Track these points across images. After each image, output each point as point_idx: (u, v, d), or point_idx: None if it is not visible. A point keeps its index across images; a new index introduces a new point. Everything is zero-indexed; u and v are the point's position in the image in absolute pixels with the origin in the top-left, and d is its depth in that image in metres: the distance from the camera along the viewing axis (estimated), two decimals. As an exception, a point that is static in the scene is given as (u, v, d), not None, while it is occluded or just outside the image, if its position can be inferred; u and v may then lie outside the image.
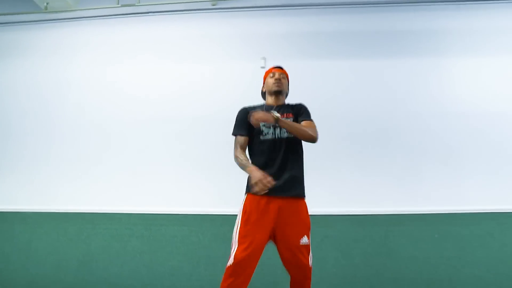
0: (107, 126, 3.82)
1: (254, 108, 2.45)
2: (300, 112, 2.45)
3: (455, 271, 3.21)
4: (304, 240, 2.27)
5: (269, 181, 2.09)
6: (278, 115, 2.25)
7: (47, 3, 3.94)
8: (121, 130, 3.79)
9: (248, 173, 2.24)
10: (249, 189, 2.27)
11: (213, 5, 3.90)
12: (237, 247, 2.18)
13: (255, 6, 3.89)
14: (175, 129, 3.73)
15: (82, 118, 3.86)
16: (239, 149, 2.36)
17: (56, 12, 4.05)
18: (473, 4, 3.78)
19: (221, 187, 3.51)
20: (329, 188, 3.43)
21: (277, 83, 2.48)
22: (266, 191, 2.14)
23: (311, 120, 2.43)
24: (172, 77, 3.89)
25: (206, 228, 3.43)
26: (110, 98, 3.89)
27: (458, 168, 3.46)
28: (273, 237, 2.30)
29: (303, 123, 2.38)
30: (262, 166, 2.29)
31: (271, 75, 2.55)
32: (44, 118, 3.91)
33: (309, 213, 2.26)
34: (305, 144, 2.32)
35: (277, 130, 2.37)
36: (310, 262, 2.25)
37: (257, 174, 2.13)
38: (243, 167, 2.29)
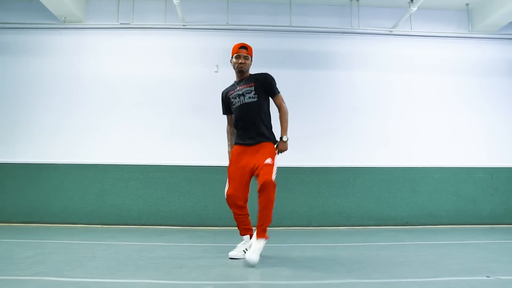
0: (115, 104, 5.60)
1: (229, 88, 2.92)
2: (265, 86, 2.81)
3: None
4: (268, 160, 2.63)
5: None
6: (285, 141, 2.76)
7: (65, 17, 5.56)
8: (125, 109, 5.57)
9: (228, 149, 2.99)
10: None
11: (183, 25, 5.65)
12: (227, 185, 2.79)
13: (212, 28, 5.65)
14: (162, 109, 5.58)
15: (96, 100, 5.63)
16: (228, 126, 3.00)
17: (70, 22, 5.68)
18: (352, 35, 5.77)
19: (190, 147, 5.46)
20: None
21: (240, 65, 2.83)
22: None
23: (277, 94, 2.82)
24: (152, 73, 5.64)
25: (179, 173, 5.38)
26: (106, 85, 5.66)
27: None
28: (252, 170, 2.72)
29: (274, 100, 2.83)
30: (236, 123, 2.87)
31: (236, 56, 2.84)
32: (59, 100, 5.65)
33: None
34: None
35: (241, 98, 2.81)
36: (273, 177, 2.59)
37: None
38: (227, 143, 3.01)
